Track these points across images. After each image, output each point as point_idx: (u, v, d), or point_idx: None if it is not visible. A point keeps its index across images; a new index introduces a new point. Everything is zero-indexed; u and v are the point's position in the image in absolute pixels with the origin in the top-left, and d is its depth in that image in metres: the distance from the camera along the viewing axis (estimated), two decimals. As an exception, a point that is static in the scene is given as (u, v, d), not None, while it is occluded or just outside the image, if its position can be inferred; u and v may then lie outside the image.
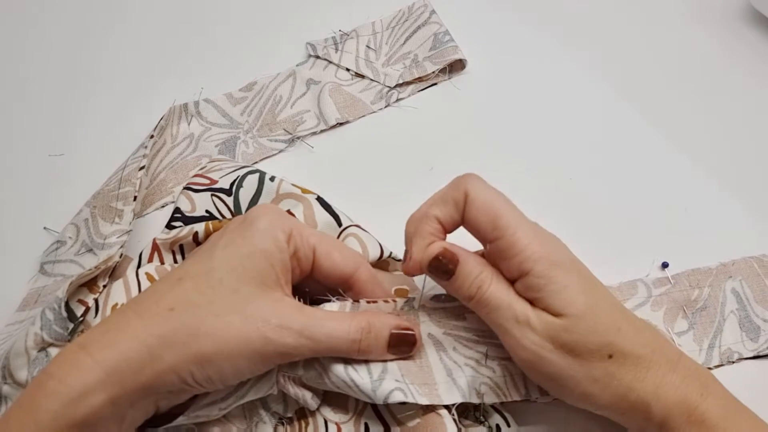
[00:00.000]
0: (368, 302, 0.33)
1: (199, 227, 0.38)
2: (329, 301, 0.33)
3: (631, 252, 0.41)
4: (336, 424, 0.34)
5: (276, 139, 0.47)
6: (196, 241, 0.38)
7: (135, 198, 0.41)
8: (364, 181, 0.45)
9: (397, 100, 0.49)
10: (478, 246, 0.32)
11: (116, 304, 0.36)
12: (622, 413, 0.30)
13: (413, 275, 0.33)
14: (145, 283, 0.37)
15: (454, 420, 0.32)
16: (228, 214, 0.41)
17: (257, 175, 0.41)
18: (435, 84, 0.50)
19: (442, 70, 0.49)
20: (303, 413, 0.34)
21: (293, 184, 0.41)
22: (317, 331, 0.30)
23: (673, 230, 0.42)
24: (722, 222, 0.42)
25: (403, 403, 0.32)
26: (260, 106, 0.49)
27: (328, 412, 0.34)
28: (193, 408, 0.31)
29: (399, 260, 0.39)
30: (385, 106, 0.49)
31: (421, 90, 0.50)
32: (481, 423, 0.34)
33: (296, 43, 0.52)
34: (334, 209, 0.40)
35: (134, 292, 0.36)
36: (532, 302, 0.30)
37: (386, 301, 0.34)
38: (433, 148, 0.46)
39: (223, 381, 0.30)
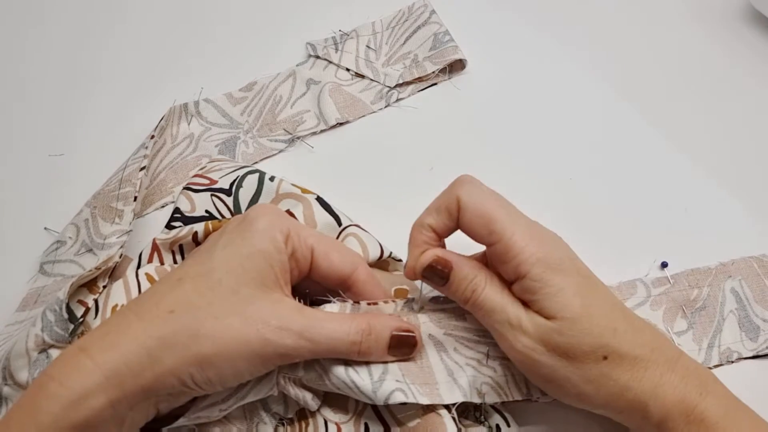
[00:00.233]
0: (369, 303, 0.33)
1: (199, 227, 0.38)
2: (329, 302, 0.33)
3: (631, 252, 0.41)
4: (336, 424, 0.34)
5: (276, 139, 0.47)
6: (196, 241, 0.38)
7: (135, 198, 0.41)
8: (364, 181, 0.45)
9: (397, 100, 0.49)
10: (479, 247, 0.33)
11: (116, 305, 0.36)
12: (619, 412, 0.30)
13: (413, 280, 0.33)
14: (145, 284, 0.37)
15: (454, 420, 0.32)
16: (228, 214, 0.41)
17: (257, 175, 0.41)
18: (435, 84, 0.50)
19: (442, 70, 0.49)
20: (303, 414, 0.34)
21: (293, 184, 0.41)
22: (317, 333, 0.30)
23: (673, 230, 0.42)
24: (722, 222, 0.42)
25: (404, 404, 0.32)
26: (260, 106, 0.49)
27: (328, 413, 0.34)
28: (194, 409, 0.31)
29: (399, 260, 0.39)
30: (385, 106, 0.49)
31: (421, 90, 0.50)
32: (481, 423, 0.34)
33: (296, 43, 0.52)
34: (334, 209, 0.40)
35: (134, 292, 0.36)
36: (528, 304, 0.30)
37: (386, 302, 0.34)
38: (433, 148, 0.46)
39: (223, 383, 0.30)
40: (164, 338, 0.28)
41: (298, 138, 0.47)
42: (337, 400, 0.34)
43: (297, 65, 0.51)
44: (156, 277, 0.37)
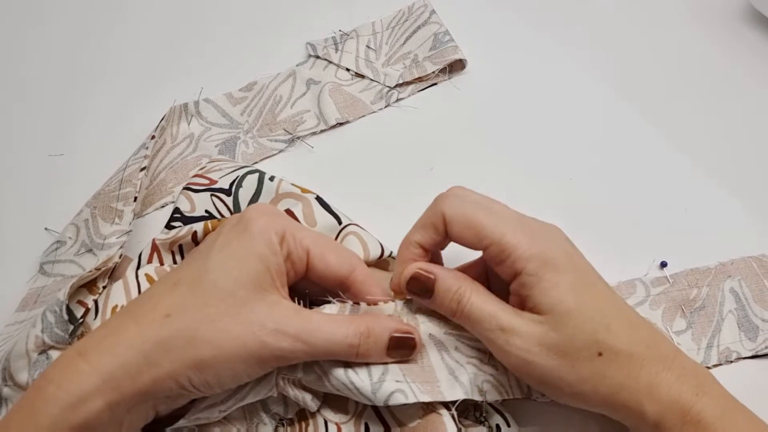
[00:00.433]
0: (369, 303, 0.33)
1: (198, 227, 0.38)
2: (329, 302, 0.33)
3: (631, 252, 0.41)
4: (336, 424, 0.34)
5: (276, 139, 0.47)
6: (195, 240, 0.38)
7: (135, 198, 0.41)
8: (364, 181, 0.45)
9: (397, 100, 0.49)
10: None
11: (116, 306, 0.36)
12: (616, 411, 0.30)
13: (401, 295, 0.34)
14: (145, 285, 0.37)
15: (454, 420, 0.32)
16: (227, 214, 0.41)
17: (257, 175, 0.41)
18: (435, 84, 0.50)
19: (442, 70, 0.49)
20: (303, 414, 0.34)
21: (293, 184, 0.41)
22: (313, 336, 0.30)
23: (673, 230, 0.42)
24: (722, 222, 0.42)
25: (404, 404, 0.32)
26: (260, 106, 0.49)
27: (328, 413, 0.34)
28: (194, 411, 0.31)
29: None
30: (385, 106, 0.49)
31: (421, 90, 0.50)
32: (481, 423, 0.34)
33: (296, 43, 0.52)
34: (333, 209, 0.40)
35: (134, 293, 0.36)
36: (525, 300, 0.30)
37: (386, 302, 0.34)
38: (433, 148, 0.46)
39: (221, 385, 0.30)
40: (161, 342, 0.28)
41: (298, 138, 0.47)
42: (337, 400, 0.34)
43: (297, 65, 0.51)
44: (156, 278, 0.37)
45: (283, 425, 0.34)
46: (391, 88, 0.49)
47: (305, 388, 0.33)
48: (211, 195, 0.41)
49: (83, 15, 0.56)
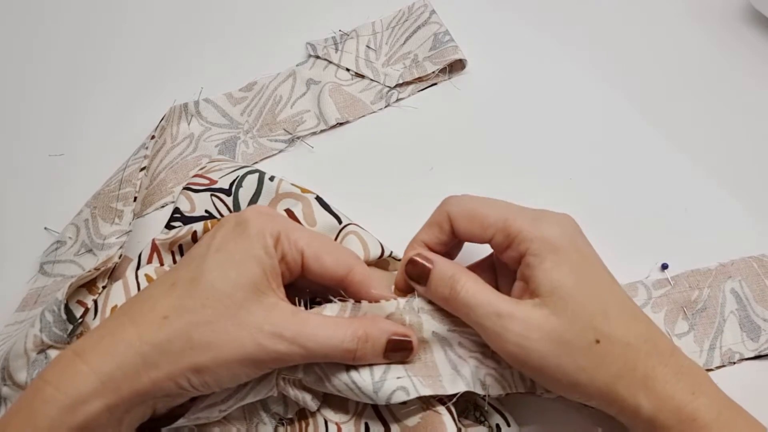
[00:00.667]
0: (371, 301, 0.33)
1: (198, 226, 0.38)
2: (330, 301, 0.33)
3: (631, 253, 0.41)
4: (336, 424, 0.34)
5: (276, 139, 0.47)
6: (195, 240, 0.38)
7: (135, 198, 0.41)
8: (364, 181, 0.45)
9: (397, 100, 0.49)
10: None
11: (115, 306, 0.36)
12: (611, 404, 0.30)
13: (405, 292, 0.34)
14: (145, 285, 0.37)
15: (454, 419, 0.32)
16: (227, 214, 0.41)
17: (257, 175, 0.41)
18: (435, 84, 0.50)
19: (442, 70, 0.49)
20: (303, 414, 0.34)
21: (293, 184, 0.41)
22: (310, 340, 0.30)
23: (673, 230, 0.42)
24: (722, 222, 0.42)
25: (404, 402, 0.32)
26: (260, 106, 0.49)
27: (328, 413, 0.34)
28: (193, 410, 0.31)
29: (399, 260, 0.39)
30: (385, 106, 0.49)
31: (421, 90, 0.50)
32: (481, 423, 0.34)
33: (296, 43, 0.52)
34: (333, 209, 0.40)
35: (133, 293, 0.36)
36: (527, 281, 0.30)
37: (388, 300, 0.34)
38: (433, 148, 0.46)
39: (220, 385, 0.30)
40: (159, 345, 0.28)
41: (298, 138, 0.47)
42: (337, 400, 0.34)
43: (297, 65, 0.51)
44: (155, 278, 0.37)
45: (283, 425, 0.34)
46: (391, 88, 0.49)
47: (305, 388, 0.33)
48: (211, 195, 0.41)
49: (83, 15, 0.56)
